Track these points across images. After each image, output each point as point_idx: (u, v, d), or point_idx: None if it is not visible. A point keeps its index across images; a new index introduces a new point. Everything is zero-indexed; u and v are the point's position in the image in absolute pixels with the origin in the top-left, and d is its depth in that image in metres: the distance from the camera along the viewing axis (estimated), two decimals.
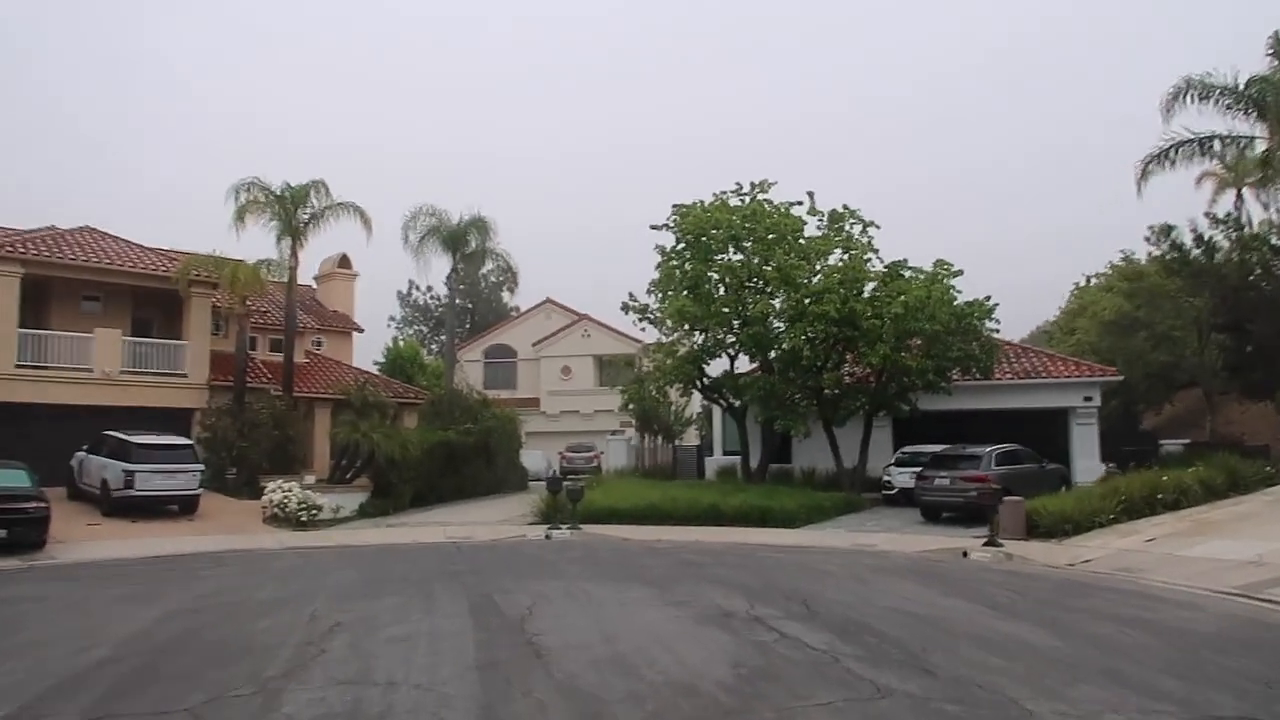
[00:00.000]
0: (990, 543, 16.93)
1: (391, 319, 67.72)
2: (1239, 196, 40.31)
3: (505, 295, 69.65)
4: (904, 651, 8.31)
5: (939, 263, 24.77)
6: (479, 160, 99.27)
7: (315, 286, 41.57)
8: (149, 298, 28.81)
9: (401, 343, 50.16)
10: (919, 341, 24.03)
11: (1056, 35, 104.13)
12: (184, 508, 22.33)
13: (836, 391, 24.90)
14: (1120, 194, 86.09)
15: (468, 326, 65.00)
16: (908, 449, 25.40)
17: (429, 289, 67.39)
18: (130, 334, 27.81)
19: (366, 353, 54.46)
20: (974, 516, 20.36)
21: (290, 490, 21.94)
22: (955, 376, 25.38)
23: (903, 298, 22.93)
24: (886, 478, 24.98)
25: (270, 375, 30.01)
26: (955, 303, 23.91)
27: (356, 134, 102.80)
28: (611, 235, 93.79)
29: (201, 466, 22.21)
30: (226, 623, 9.97)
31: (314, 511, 21.83)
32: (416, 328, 67.81)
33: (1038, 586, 12.76)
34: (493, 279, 69.93)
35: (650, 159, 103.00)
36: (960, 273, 24.38)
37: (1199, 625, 9.93)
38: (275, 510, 21.97)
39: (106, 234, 29.12)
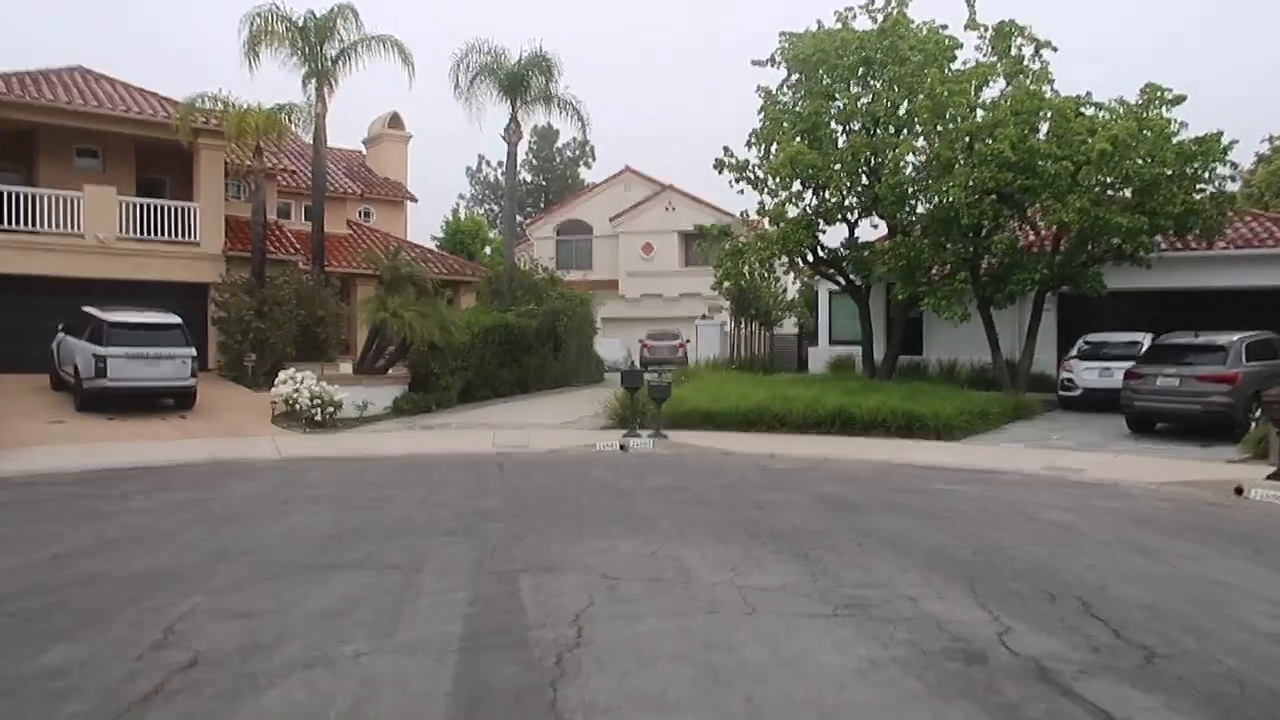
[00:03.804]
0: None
1: (460, 197, 63.01)
2: None
3: (583, 171, 64.34)
4: None
5: (1149, 87, 18.30)
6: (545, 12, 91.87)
7: (364, 152, 36.73)
8: (157, 153, 24.19)
9: (463, 215, 45.06)
10: (1122, 193, 17.90)
11: None
12: (180, 401, 18.13)
13: (1006, 260, 18.95)
14: None
15: (541, 205, 59.83)
16: (1092, 338, 19.55)
17: (500, 164, 62.11)
18: (136, 195, 23.43)
19: (427, 228, 50.09)
20: (1209, 429, 14.82)
21: (302, 382, 17.42)
22: (1161, 242, 19.29)
23: (1107, 130, 16.73)
24: (1066, 374, 19.24)
25: (299, 247, 25.45)
26: (1176, 139, 17.57)
27: None
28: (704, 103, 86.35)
29: (194, 351, 17.80)
30: (3, 644, 5.25)
31: (330, 409, 17.33)
32: (487, 206, 62.86)
33: None
34: (568, 153, 64.64)
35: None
36: (1182, 99, 17.86)
37: None
38: (286, 406, 17.57)
39: (102, 76, 24.48)
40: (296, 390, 17.33)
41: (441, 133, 73.35)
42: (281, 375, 18.01)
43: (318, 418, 17.17)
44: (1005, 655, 5.06)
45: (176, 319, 18.16)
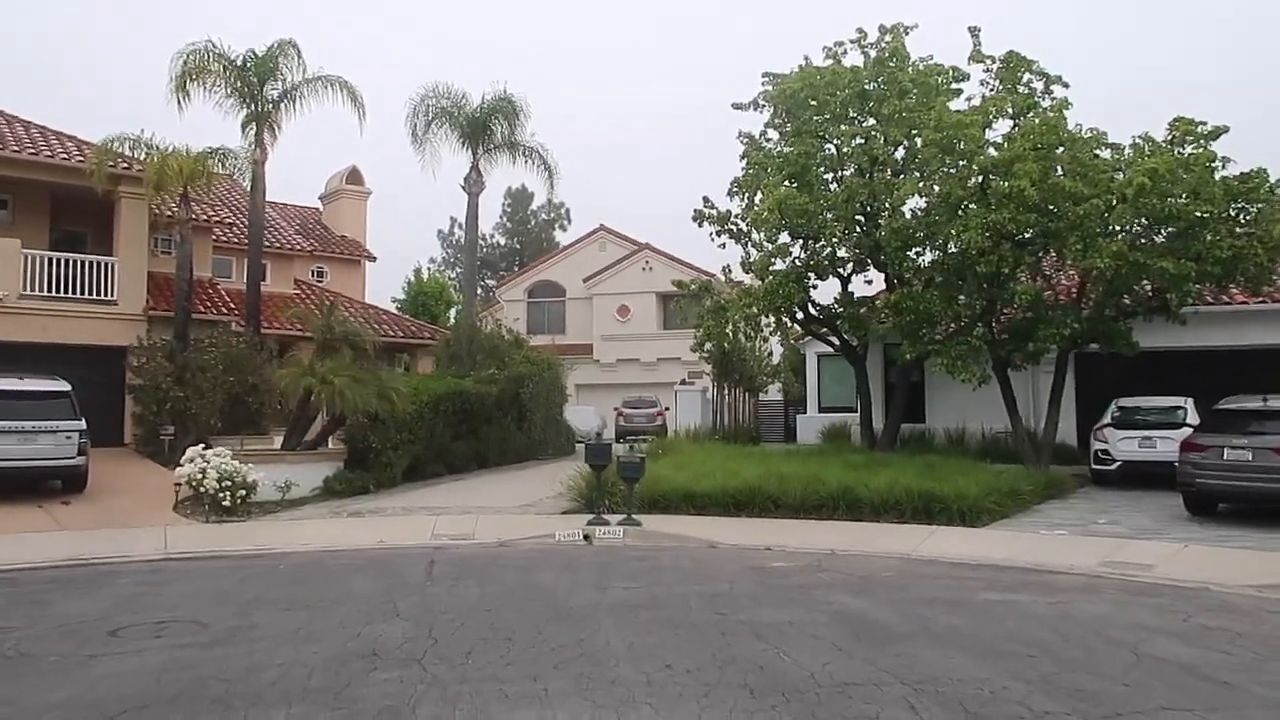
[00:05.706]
0: None
1: (432, 260, 60.94)
2: None
3: (558, 233, 62.57)
4: None
5: (1179, 121, 16.28)
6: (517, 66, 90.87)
7: (321, 209, 34.53)
8: (76, 203, 21.79)
9: (425, 275, 42.70)
10: (1156, 237, 15.75)
11: None
12: (68, 483, 15.36)
13: (1028, 315, 16.66)
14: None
15: (516, 269, 57.78)
16: (1125, 403, 17.21)
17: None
18: (49, 249, 20.93)
19: (394, 291, 47.51)
20: None
21: (209, 460, 14.72)
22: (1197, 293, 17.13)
23: (1142, 165, 14.63)
24: (1100, 444, 16.85)
25: (234, 306, 22.94)
26: (1218, 175, 15.48)
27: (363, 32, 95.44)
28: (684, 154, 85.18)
29: (82, 424, 15.09)
30: None
31: (242, 492, 14.60)
32: (459, 270, 60.68)
33: None
34: (543, 215, 62.89)
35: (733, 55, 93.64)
36: (1223, 130, 15.81)
37: None
38: (191, 489, 14.84)
39: (16, 118, 22.13)
40: (202, 470, 14.60)
41: (414, 195, 71.47)
42: (189, 452, 15.28)
43: (225, 502, 14.43)
44: None
45: (64, 386, 15.47)
